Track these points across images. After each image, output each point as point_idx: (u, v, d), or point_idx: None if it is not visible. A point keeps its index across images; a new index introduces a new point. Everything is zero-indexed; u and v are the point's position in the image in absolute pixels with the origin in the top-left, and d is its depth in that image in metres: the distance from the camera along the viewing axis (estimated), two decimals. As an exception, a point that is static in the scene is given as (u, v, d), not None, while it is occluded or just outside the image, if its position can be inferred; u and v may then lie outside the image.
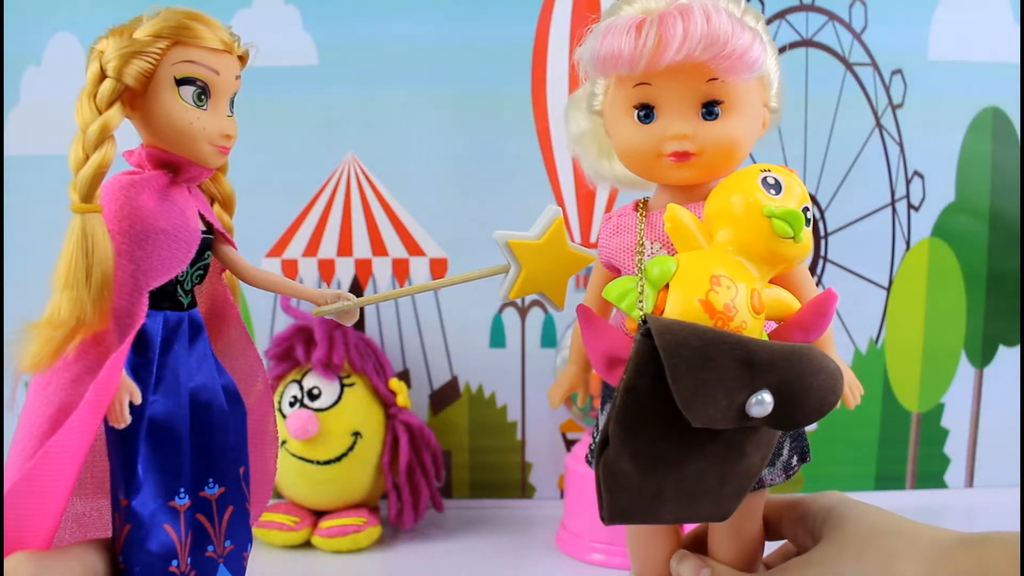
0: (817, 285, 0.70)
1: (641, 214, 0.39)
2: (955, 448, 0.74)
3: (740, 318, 0.32)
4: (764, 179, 0.34)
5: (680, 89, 0.36)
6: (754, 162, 0.67)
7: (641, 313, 0.33)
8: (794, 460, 0.39)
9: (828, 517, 0.38)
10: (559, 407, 0.44)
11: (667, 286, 0.33)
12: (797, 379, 0.32)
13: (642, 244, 0.38)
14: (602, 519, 0.33)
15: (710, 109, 0.36)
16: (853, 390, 0.40)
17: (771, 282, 0.35)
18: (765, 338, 0.34)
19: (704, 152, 0.36)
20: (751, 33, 0.35)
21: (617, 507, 0.33)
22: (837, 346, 0.71)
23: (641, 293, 0.34)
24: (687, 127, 0.36)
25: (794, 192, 0.35)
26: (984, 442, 0.74)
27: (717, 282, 0.32)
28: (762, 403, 0.31)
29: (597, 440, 0.34)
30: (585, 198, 0.69)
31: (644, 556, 0.42)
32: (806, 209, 0.34)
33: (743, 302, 0.33)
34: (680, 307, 0.32)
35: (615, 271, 0.40)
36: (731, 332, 0.32)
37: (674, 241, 0.35)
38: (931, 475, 0.74)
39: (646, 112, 0.37)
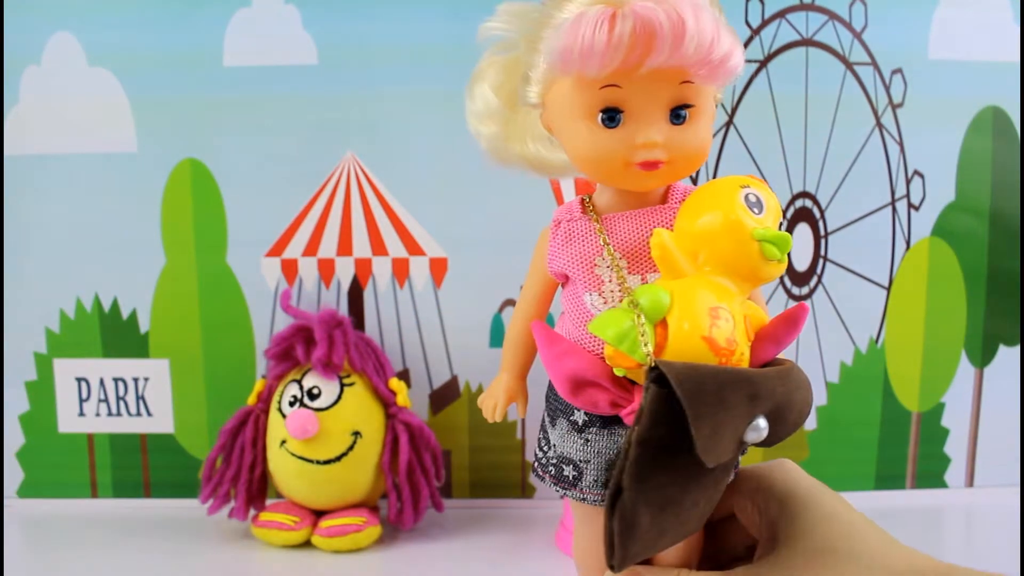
0: (817, 285, 0.70)
1: (595, 219, 0.36)
2: (955, 448, 0.74)
3: (740, 351, 0.31)
4: (746, 197, 0.33)
5: (652, 92, 0.33)
6: (752, 157, 0.68)
7: (650, 358, 0.31)
8: (738, 457, 0.38)
9: (782, 512, 0.36)
10: (500, 419, 0.41)
11: (662, 321, 0.31)
12: (786, 399, 0.32)
13: (614, 257, 0.35)
14: (611, 567, 0.32)
15: (678, 113, 0.33)
16: None
17: None
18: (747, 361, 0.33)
19: (674, 161, 0.34)
20: (731, 35, 0.32)
21: (629, 553, 0.32)
22: (838, 346, 0.72)
23: (643, 335, 0.31)
24: (658, 134, 0.33)
25: (773, 209, 0.33)
26: (984, 442, 0.74)
27: (716, 315, 0.31)
28: (757, 429, 0.31)
29: (608, 488, 0.31)
30: (585, 198, 0.69)
31: (595, 569, 0.40)
32: (781, 224, 0.33)
33: (741, 333, 0.32)
34: (684, 346, 0.31)
35: (563, 278, 0.38)
36: (736, 368, 0.31)
37: (662, 269, 0.33)
38: (931, 475, 0.74)
39: (611, 116, 0.33)
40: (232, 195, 0.68)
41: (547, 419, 0.39)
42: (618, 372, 0.33)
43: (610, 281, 0.35)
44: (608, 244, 0.35)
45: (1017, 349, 0.73)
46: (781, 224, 0.33)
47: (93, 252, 0.70)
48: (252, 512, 0.65)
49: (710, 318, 0.31)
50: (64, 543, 0.64)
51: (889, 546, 0.34)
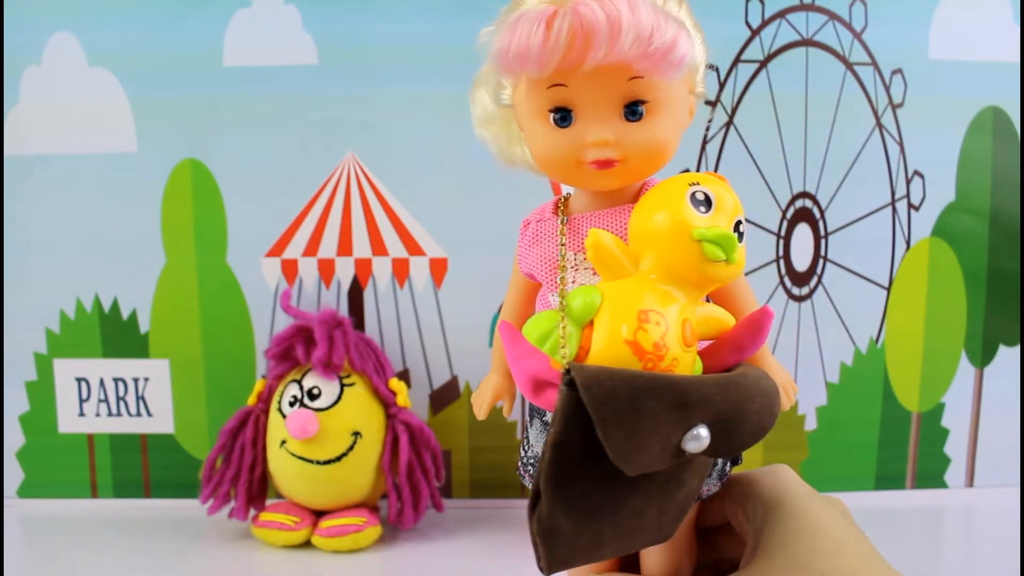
0: (817, 285, 0.70)
1: (562, 220, 0.36)
2: (955, 448, 0.74)
3: (671, 356, 0.30)
4: (693, 195, 0.31)
5: (600, 90, 0.32)
6: (752, 157, 0.68)
7: (564, 361, 0.30)
8: (728, 467, 0.37)
9: (767, 521, 0.35)
10: (484, 417, 0.41)
11: (591, 322, 0.30)
12: (734, 408, 0.30)
13: (564, 258, 0.34)
14: (541, 570, 0.31)
15: (633, 109, 0.33)
16: (788, 391, 0.37)
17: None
18: (698, 367, 0.32)
19: (629, 159, 0.33)
20: (675, 26, 0.31)
21: (556, 558, 0.31)
22: (838, 346, 0.72)
23: (563, 337, 0.30)
24: (608, 132, 0.32)
25: (725, 206, 0.31)
26: (984, 442, 0.74)
27: (645, 318, 0.30)
28: (698, 438, 0.29)
29: (530, 491, 0.31)
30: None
31: (578, 571, 0.40)
32: (739, 223, 0.32)
33: (673, 337, 0.30)
34: (606, 350, 0.30)
35: (535, 279, 0.37)
36: (662, 374, 0.29)
37: (598, 269, 0.32)
38: (931, 475, 0.74)
39: (563, 115, 0.33)
40: (232, 195, 0.68)
41: (527, 418, 0.39)
42: None
43: (573, 282, 0.35)
44: (564, 245, 0.35)
45: (1017, 349, 0.73)
46: (739, 223, 0.32)
47: (93, 252, 0.70)
48: (252, 512, 0.65)
49: (637, 321, 0.30)
50: (64, 543, 0.64)
51: (869, 564, 0.33)
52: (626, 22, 0.30)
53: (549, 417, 0.36)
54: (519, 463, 0.39)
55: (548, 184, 0.67)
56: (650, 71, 0.31)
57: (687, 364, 0.31)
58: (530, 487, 0.37)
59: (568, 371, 0.29)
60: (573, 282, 0.34)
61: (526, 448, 0.39)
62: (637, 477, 0.30)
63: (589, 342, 0.30)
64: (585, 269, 0.34)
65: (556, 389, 0.32)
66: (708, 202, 0.31)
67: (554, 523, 0.30)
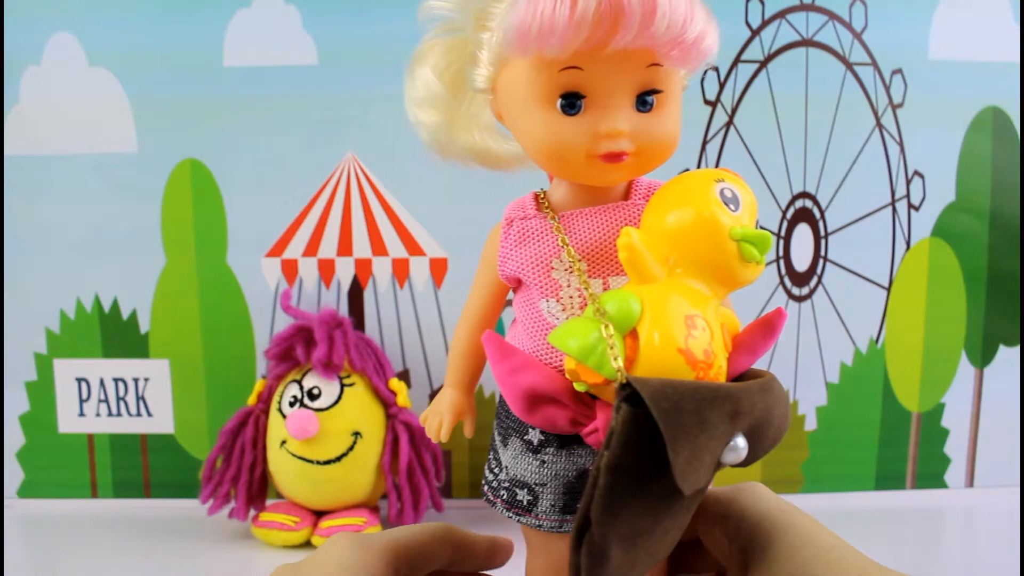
0: (817, 285, 0.70)
1: (551, 217, 0.33)
2: (955, 448, 0.74)
3: (718, 363, 0.28)
4: (721, 192, 0.29)
5: (616, 76, 0.29)
6: (752, 157, 0.68)
7: (622, 374, 0.27)
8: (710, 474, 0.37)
9: (753, 538, 0.34)
10: (447, 439, 0.38)
11: (632, 331, 0.28)
12: (765, 416, 0.29)
13: (575, 260, 0.32)
14: None
15: (644, 99, 0.30)
16: None
17: None
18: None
19: (640, 152, 0.30)
20: (706, 14, 0.29)
21: None
22: (838, 346, 0.72)
23: (612, 348, 0.27)
24: (623, 122, 0.30)
25: (749, 205, 0.30)
26: (984, 442, 0.74)
27: (692, 324, 0.28)
28: (735, 449, 0.28)
29: (575, 519, 0.28)
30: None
31: None
32: (757, 223, 0.30)
33: (718, 344, 0.28)
34: (659, 360, 0.27)
35: (516, 283, 0.34)
36: (716, 383, 0.27)
37: (630, 272, 0.29)
38: (931, 475, 0.74)
39: (571, 102, 0.30)
40: (232, 195, 0.69)
41: (498, 438, 0.35)
42: (579, 387, 0.30)
43: (569, 286, 0.32)
44: (567, 245, 0.32)
45: (1017, 349, 0.73)
46: (757, 223, 0.31)
47: (93, 252, 0.70)
48: (252, 512, 0.65)
49: (686, 328, 0.28)
50: (64, 543, 0.64)
51: (872, 570, 0.32)
52: (662, 5, 0.28)
53: (532, 435, 0.33)
54: (486, 486, 0.36)
55: (548, 183, 0.67)
56: (677, 59, 0.29)
57: (725, 371, 0.29)
58: (504, 513, 0.35)
59: (626, 385, 0.26)
60: (568, 285, 0.32)
61: (496, 471, 0.35)
62: (672, 499, 0.28)
63: (634, 352, 0.28)
64: (581, 272, 0.32)
65: (555, 405, 0.30)
66: (736, 200, 0.30)
67: (607, 553, 0.27)
